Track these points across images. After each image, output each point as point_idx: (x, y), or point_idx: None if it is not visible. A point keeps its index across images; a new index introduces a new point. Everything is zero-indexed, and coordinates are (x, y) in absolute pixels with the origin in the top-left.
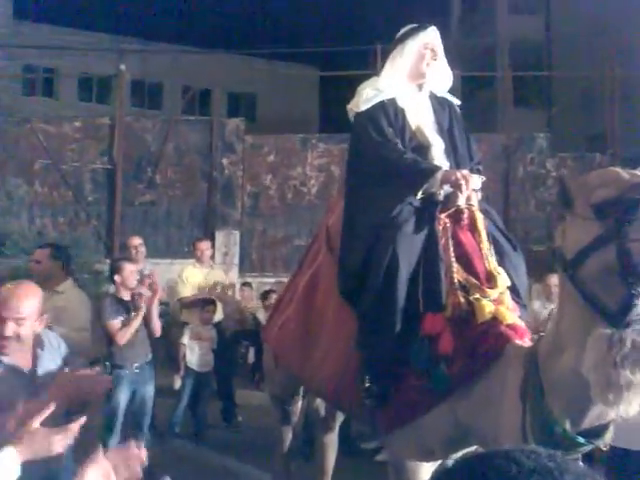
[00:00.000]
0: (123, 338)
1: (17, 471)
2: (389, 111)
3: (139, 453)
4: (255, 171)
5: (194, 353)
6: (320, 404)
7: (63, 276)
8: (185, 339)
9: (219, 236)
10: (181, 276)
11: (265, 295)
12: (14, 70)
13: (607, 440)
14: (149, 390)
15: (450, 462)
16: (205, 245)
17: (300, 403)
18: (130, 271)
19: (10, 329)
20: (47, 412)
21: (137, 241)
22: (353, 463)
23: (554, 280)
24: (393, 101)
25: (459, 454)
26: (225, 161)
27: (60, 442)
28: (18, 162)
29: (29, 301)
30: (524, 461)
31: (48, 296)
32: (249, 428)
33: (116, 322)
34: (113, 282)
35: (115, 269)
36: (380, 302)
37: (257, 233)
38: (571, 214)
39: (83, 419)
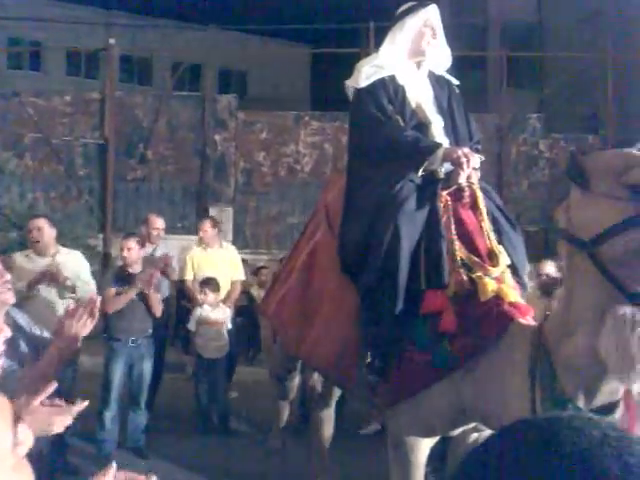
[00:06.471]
0: (111, 307)
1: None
2: (389, 88)
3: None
4: (248, 148)
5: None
6: (317, 380)
7: (55, 245)
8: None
9: (212, 213)
10: (185, 257)
11: (257, 271)
12: None
13: (617, 416)
14: (147, 366)
15: (484, 435)
16: (204, 226)
17: (297, 379)
18: (126, 247)
19: None
20: (49, 391)
21: (159, 224)
22: (344, 441)
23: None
24: (393, 78)
25: (458, 431)
26: (218, 137)
27: (60, 422)
28: (7, 135)
29: None
30: (591, 431)
31: (48, 260)
32: (243, 404)
33: (110, 291)
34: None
35: (121, 243)
36: (382, 278)
37: (250, 210)
38: (587, 192)
39: (85, 403)
